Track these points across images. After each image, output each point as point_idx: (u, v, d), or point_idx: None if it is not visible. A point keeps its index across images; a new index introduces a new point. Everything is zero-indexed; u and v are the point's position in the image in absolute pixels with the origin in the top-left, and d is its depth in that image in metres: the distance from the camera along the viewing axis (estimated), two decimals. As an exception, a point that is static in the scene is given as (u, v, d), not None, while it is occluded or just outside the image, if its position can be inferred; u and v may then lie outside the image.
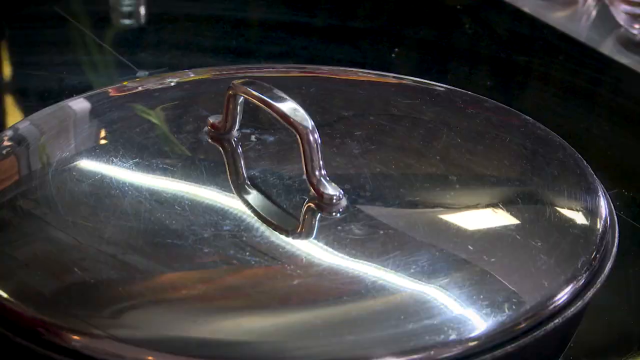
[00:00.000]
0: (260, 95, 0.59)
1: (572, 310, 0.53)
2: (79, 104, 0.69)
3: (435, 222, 0.57)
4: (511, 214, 0.58)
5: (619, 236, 0.59)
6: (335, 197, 0.56)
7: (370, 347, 0.49)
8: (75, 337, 0.50)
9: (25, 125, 0.66)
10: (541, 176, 0.61)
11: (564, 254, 0.55)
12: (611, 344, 0.66)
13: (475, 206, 0.58)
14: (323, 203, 0.56)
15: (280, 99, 0.58)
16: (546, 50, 1.08)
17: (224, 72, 0.73)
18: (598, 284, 0.55)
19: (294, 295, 0.51)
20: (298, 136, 0.57)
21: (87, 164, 0.61)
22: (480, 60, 1.06)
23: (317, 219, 0.56)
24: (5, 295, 0.52)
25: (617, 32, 1.09)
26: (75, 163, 0.61)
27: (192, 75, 0.73)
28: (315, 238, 0.54)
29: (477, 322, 0.51)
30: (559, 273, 0.54)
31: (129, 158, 0.61)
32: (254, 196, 0.57)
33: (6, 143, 0.64)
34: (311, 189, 0.57)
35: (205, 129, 0.63)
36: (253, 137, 0.63)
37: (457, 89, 0.72)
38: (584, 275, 0.55)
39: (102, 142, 0.64)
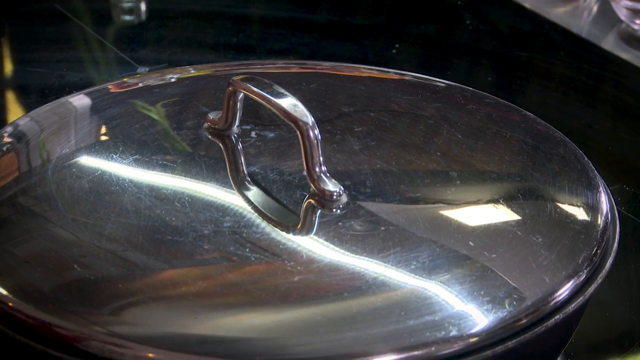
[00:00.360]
0: (260, 91, 0.59)
1: (573, 306, 0.53)
2: (79, 100, 0.69)
3: (436, 218, 0.57)
4: (512, 209, 0.57)
5: (620, 232, 0.59)
6: (335, 194, 0.56)
7: (371, 343, 0.49)
8: (76, 334, 0.49)
9: (25, 121, 0.66)
10: (542, 172, 0.61)
11: (565, 249, 0.55)
12: (612, 340, 0.66)
13: (476, 202, 0.58)
14: (323, 199, 0.56)
15: (280, 95, 0.58)
16: (547, 45, 1.08)
17: (224, 68, 0.73)
18: (599, 280, 0.55)
19: (295, 292, 0.51)
20: (298, 132, 0.56)
21: (87, 161, 0.61)
22: (481, 56, 1.06)
23: (318, 215, 0.56)
24: (5, 292, 0.51)
25: (619, 28, 1.09)
26: (75, 159, 0.61)
27: (192, 71, 0.73)
28: (315, 234, 0.54)
29: (478, 318, 0.50)
30: (560, 269, 0.54)
31: (129, 154, 0.61)
32: (254, 192, 0.57)
33: (6, 139, 0.64)
34: (311, 185, 0.56)
35: (205, 125, 0.63)
36: (253, 133, 0.62)
37: (458, 84, 0.72)
38: (585, 271, 0.54)
39: (102, 138, 0.64)
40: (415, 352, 0.49)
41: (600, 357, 0.65)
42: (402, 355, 0.49)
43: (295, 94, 0.59)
